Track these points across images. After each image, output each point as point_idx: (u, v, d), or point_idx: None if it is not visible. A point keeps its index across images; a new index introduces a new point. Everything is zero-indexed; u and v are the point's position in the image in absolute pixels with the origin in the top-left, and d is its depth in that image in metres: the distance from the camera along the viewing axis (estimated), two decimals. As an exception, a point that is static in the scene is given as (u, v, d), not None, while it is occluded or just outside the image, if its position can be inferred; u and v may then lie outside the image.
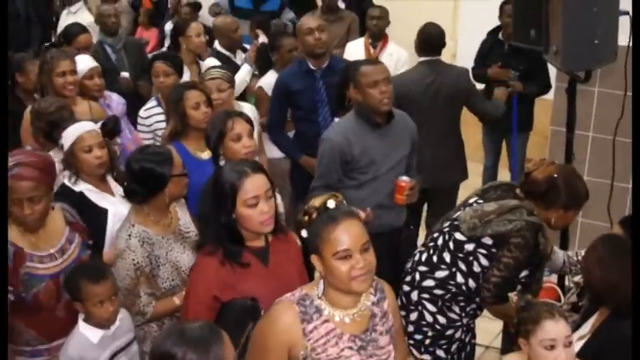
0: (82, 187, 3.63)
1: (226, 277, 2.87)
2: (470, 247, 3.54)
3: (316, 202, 2.56)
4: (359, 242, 2.48)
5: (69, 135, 3.62)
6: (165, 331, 2.29)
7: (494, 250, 3.48)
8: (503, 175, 6.77)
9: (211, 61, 5.90)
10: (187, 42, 5.82)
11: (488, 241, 3.50)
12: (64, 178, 3.64)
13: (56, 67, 4.50)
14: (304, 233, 2.55)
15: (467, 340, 3.75)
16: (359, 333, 2.58)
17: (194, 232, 3.45)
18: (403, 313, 3.69)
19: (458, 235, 3.58)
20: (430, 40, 5.40)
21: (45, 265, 3.09)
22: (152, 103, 4.90)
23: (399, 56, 6.47)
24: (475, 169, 7.08)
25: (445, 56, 5.96)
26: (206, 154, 4.02)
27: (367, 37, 6.51)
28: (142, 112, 4.82)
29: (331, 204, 2.54)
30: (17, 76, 4.84)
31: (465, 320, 3.67)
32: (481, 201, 3.62)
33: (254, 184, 2.87)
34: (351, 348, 2.55)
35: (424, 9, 6.37)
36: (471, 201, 3.69)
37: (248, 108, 4.78)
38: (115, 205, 3.64)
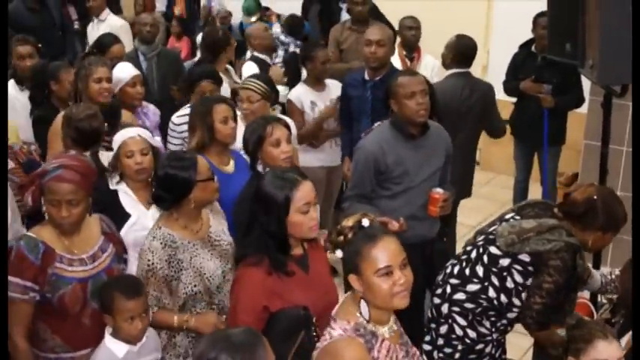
0: (120, 187, 3.72)
1: (274, 287, 2.87)
2: (505, 262, 3.52)
3: (349, 221, 2.57)
4: (399, 258, 2.50)
5: (117, 139, 3.74)
6: (208, 339, 2.29)
7: (530, 268, 3.46)
8: (535, 188, 6.73)
9: (250, 66, 6.02)
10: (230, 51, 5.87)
11: (525, 258, 3.47)
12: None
13: (93, 73, 4.56)
14: (340, 253, 2.57)
15: (497, 355, 3.72)
16: (400, 339, 2.63)
17: (226, 242, 3.46)
18: (433, 325, 3.68)
19: (493, 250, 3.56)
20: (465, 51, 5.42)
21: (74, 268, 3.10)
22: (187, 110, 4.89)
23: (433, 66, 6.46)
24: (506, 183, 7.07)
25: (476, 68, 5.99)
26: (230, 167, 4.06)
27: (401, 48, 6.46)
28: (174, 119, 4.82)
29: (366, 222, 2.55)
30: (52, 85, 4.89)
31: (495, 335, 3.64)
32: (518, 217, 3.59)
33: (306, 191, 2.91)
34: (404, 357, 2.59)
35: (456, 20, 6.35)
36: (508, 216, 3.66)
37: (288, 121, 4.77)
38: (142, 215, 3.66)
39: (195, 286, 3.30)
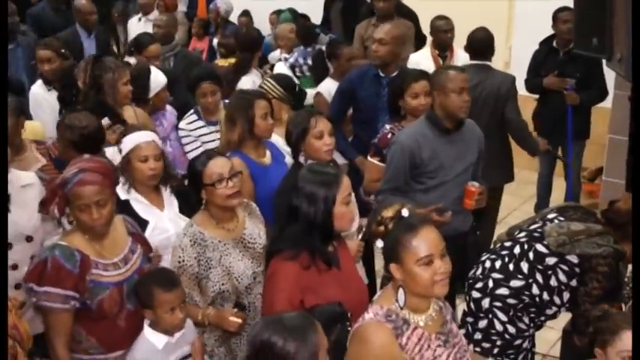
0: (131, 195, 3.66)
1: (309, 282, 2.91)
2: (551, 260, 3.57)
3: (389, 212, 2.62)
4: (439, 247, 2.55)
5: (128, 142, 3.67)
6: (262, 322, 2.35)
7: (577, 269, 3.52)
8: (558, 183, 6.73)
9: (280, 67, 6.11)
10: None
11: (573, 259, 3.53)
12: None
13: (123, 76, 4.61)
14: (380, 243, 2.62)
15: (529, 348, 3.75)
16: (440, 328, 2.65)
17: (260, 245, 3.48)
18: (471, 319, 3.71)
19: (540, 247, 3.60)
20: (479, 44, 5.45)
21: (109, 273, 3.11)
22: (192, 117, 4.97)
23: (464, 61, 6.31)
24: (530, 178, 7.07)
25: (498, 64, 5.98)
26: (267, 159, 4.09)
27: (433, 48, 6.40)
28: (184, 125, 4.90)
29: (405, 212, 2.60)
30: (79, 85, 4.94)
31: (531, 331, 3.68)
32: (562, 218, 3.64)
33: (347, 183, 3.00)
34: (440, 346, 2.61)
35: (478, 17, 6.34)
36: (551, 216, 3.72)
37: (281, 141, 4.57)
38: (158, 219, 3.65)
39: (223, 284, 3.34)
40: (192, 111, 5.01)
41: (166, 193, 3.77)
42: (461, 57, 6.26)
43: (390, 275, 2.64)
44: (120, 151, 3.70)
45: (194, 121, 4.93)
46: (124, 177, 3.64)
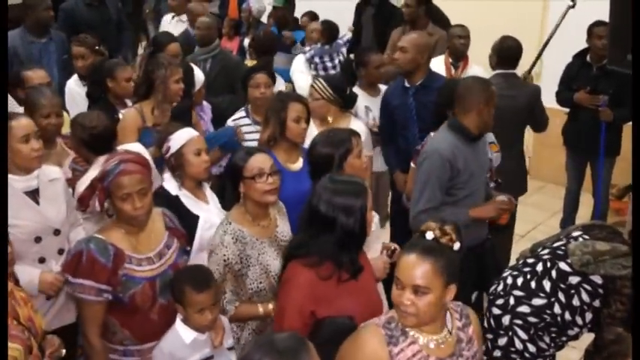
0: (180, 192, 3.71)
1: (325, 292, 2.89)
2: (574, 280, 3.51)
3: (424, 227, 2.60)
4: (411, 282, 2.50)
5: (179, 137, 3.72)
6: (253, 342, 2.32)
7: (600, 290, 3.46)
8: (585, 199, 6.63)
9: (298, 59, 6.19)
10: None
11: (597, 279, 3.47)
12: (164, 181, 3.74)
13: (175, 74, 4.61)
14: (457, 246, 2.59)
15: (550, 369, 3.70)
16: (445, 357, 2.59)
17: None
18: (490, 336, 3.66)
19: (563, 266, 3.54)
20: (508, 53, 5.39)
21: (142, 268, 3.15)
22: (241, 113, 4.99)
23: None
24: (558, 192, 6.98)
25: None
26: (297, 165, 4.08)
27: (447, 56, 6.35)
28: (230, 122, 4.91)
29: (429, 235, 2.56)
30: (108, 82, 4.96)
31: (552, 350, 3.62)
32: (587, 237, 3.57)
33: (369, 192, 3.03)
34: None
35: (509, 29, 6.26)
36: (575, 234, 3.65)
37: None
38: (206, 213, 3.71)
39: (260, 282, 3.35)
40: (242, 109, 5.04)
41: (207, 188, 3.84)
42: (475, 71, 6.20)
43: None
44: (167, 149, 3.72)
45: (240, 117, 4.95)
46: (176, 173, 3.70)
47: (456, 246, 2.54)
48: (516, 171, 5.41)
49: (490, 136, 4.64)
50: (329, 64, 6.61)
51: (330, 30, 6.92)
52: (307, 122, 4.18)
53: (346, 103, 4.86)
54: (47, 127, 4.11)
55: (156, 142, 3.95)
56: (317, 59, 6.67)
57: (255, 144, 4.50)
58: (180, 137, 3.73)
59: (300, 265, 2.95)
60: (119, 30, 7.58)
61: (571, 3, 5.93)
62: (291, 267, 3.00)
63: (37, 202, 3.59)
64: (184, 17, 7.66)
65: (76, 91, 5.43)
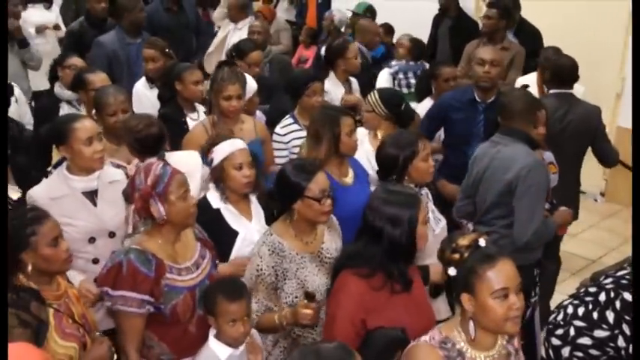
0: (222, 205, 3.67)
1: (376, 303, 2.87)
2: None
3: (465, 240, 2.57)
4: (515, 282, 2.47)
5: (220, 151, 3.67)
6: (299, 352, 2.27)
7: None
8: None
9: (383, 74, 6.12)
10: (347, 64, 5.84)
11: None
12: (209, 191, 3.72)
13: (224, 90, 4.51)
14: (453, 271, 2.55)
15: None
16: None
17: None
18: (548, 367, 3.53)
19: (628, 296, 3.37)
20: (561, 72, 5.14)
21: (183, 277, 3.12)
22: (289, 120, 4.89)
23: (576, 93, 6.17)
24: (626, 215, 6.71)
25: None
26: (349, 179, 4.02)
27: (539, 74, 5.92)
28: (279, 130, 4.83)
29: (482, 242, 2.54)
30: (177, 85, 5.01)
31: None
32: None
33: (423, 204, 3.00)
34: None
35: (591, 47, 6.06)
36: None
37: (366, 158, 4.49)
38: (247, 229, 3.64)
39: (296, 297, 3.29)
40: (288, 115, 4.99)
41: (254, 203, 3.76)
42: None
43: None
44: (211, 161, 3.69)
45: (288, 124, 4.88)
46: (218, 186, 3.67)
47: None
48: (571, 196, 5.12)
49: (549, 156, 4.51)
50: (412, 82, 6.53)
51: (417, 47, 6.83)
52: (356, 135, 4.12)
53: (401, 119, 4.69)
54: (115, 124, 4.18)
55: (202, 153, 3.90)
56: (401, 75, 6.59)
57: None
58: (223, 150, 3.67)
59: (351, 275, 2.93)
60: (196, 35, 7.70)
61: None
62: (343, 276, 2.98)
63: (95, 204, 3.63)
64: (240, 25, 7.69)
65: (142, 92, 5.51)
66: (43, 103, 5.66)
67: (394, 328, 2.81)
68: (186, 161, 3.91)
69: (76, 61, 5.27)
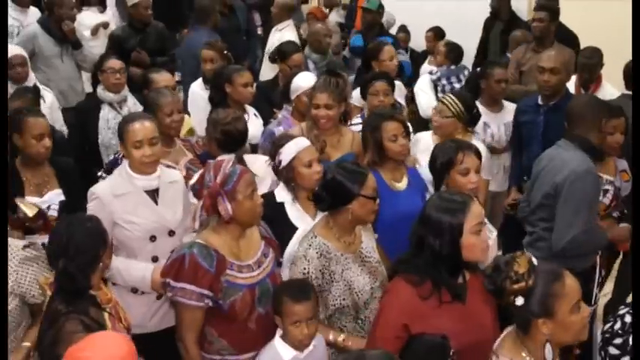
0: (287, 199, 3.70)
1: (423, 311, 2.81)
2: None
3: (522, 266, 2.54)
4: (580, 290, 2.51)
5: (288, 151, 3.69)
6: (343, 358, 2.27)
7: None
8: None
9: (424, 79, 6.15)
10: (380, 66, 5.82)
11: None
12: (277, 187, 3.75)
13: (314, 98, 4.40)
14: (521, 301, 2.53)
15: None
16: None
17: (375, 259, 3.43)
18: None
19: None
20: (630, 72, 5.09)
21: (243, 274, 3.15)
22: (357, 120, 4.95)
23: (611, 97, 6.00)
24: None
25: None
26: (402, 185, 4.01)
27: (578, 78, 5.93)
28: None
29: (535, 260, 2.54)
30: (226, 87, 5.05)
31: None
32: None
33: (477, 211, 2.86)
34: None
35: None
36: None
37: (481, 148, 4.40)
38: (308, 226, 3.61)
39: (344, 299, 3.28)
40: (359, 114, 5.01)
41: None
42: (608, 91, 5.85)
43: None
44: (279, 162, 3.70)
45: (356, 124, 4.90)
46: (289, 185, 3.69)
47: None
48: None
49: (623, 164, 4.41)
50: (457, 85, 6.50)
51: (454, 51, 6.79)
52: (407, 137, 4.07)
53: (472, 121, 4.71)
54: (171, 124, 4.24)
55: (268, 152, 3.94)
56: (444, 81, 6.56)
57: None
58: (290, 150, 3.69)
59: (401, 280, 2.90)
60: (247, 38, 7.74)
61: None
62: (395, 281, 2.97)
63: (156, 202, 3.68)
64: (280, 26, 7.69)
65: (198, 93, 5.56)
66: (85, 104, 5.78)
67: (436, 335, 2.75)
68: (259, 165, 3.98)
69: (114, 64, 5.35)
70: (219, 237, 3.15)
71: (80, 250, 2.84)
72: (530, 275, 2.49)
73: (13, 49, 5.63)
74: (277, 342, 3.12)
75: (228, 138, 4.03)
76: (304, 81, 4.87)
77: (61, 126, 5.52)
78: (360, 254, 3.39)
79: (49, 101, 5.47)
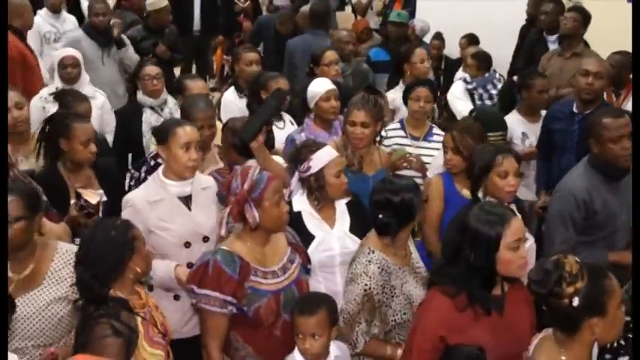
0: (304, 207, 3.65)
1: (460, 323, 2.78)
2: None
3: (573, 267, 2.49)
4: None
5: (320, 158, 3.62)
6: None
7: None
8: None
9: (457, 85, 6.16)
10: (412, 68, 5.79)
11: None
12: (294, 194, 3.69)
13: (349, 114, 4.28)
14: (577, 302, 2.46)
15: None
16: None
17: (423, 268, 3.41)
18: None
19: None
20: None
21: (268, 281, 3.13)
22: (396, 125, 4.93)
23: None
24: None
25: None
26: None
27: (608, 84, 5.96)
28: (382, 132, 4.71)
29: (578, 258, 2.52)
30: (262, 94, 5.02)
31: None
32: None
33: (517, 227, 2.78)
34: None
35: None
36: None
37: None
38: (326, 235, 3.63)
39: (404, 313, 3.25)
40: (398, 120, 4.96)
41: (340, 209, 3.73)
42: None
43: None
44: (307, 168, 3.63)
45: (394, 129, 4.89)
46: (312, 193, 3.64)
47: None
48: None
49: None
50: (493, 92, 6.49)
51: (484, 60, 6.77)
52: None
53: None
54: (200, 137, 4.18)
55: (291, 156, 3.85)
56: (481, 90, 6.54)
57: None
58: (322, 158, 3.62)
59: (438, 292, 2.87)
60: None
61: None
62: (432, 292, 2.94)
63: (190, 208, 3.67)
64: None
65: (231, 101, 5.56)
66: (126, 108, 5.86)
67: (472, 346, 2.71)
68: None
69: (150, 70, 5.42)
70: (243, 243, 3.14)
71: (97, 259, 2.77)
72: (584, 274, 2.45)
73: (65, 51, 5.77)
74: (296, 353, 3.10)
75: (246, 145, 3.95)
76: (319, 87, 4.77)
77: (112, 128, 5.59)
78: (413, 266, 3.37)
79: (99, 103, 5.53)
